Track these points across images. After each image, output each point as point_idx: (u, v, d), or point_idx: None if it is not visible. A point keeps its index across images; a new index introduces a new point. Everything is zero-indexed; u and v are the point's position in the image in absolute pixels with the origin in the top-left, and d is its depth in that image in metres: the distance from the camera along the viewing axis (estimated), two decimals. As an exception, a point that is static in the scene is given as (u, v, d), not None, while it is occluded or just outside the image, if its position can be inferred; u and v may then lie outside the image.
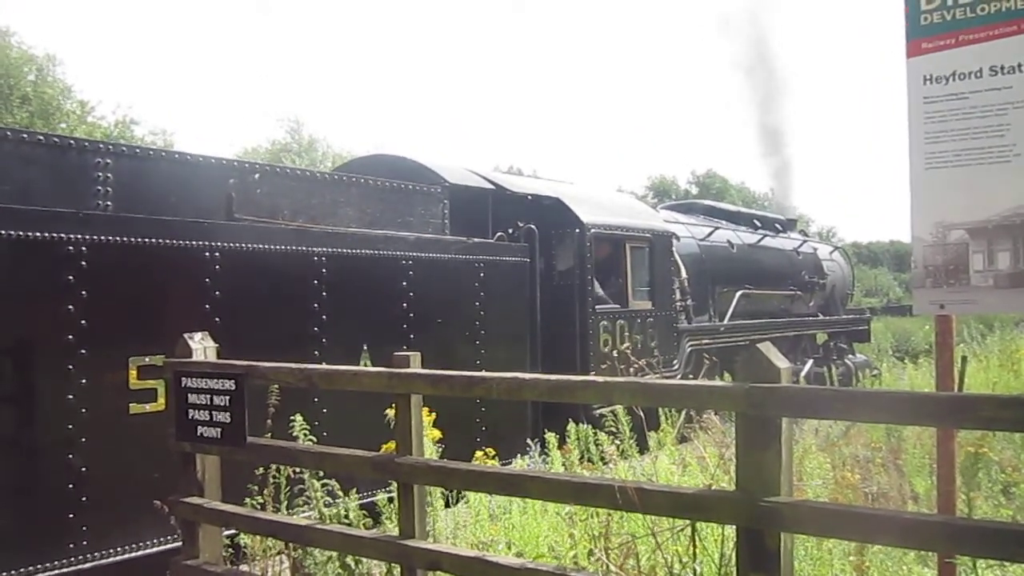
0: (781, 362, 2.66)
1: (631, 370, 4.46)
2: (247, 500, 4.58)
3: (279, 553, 4.67)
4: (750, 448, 2.67)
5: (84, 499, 4.89)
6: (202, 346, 4.33)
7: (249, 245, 5.87)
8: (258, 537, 4.54)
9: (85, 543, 4.89)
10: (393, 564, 3.94)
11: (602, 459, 5.61)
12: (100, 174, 5.63)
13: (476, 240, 7.79)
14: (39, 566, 4.69)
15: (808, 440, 6.32)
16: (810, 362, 13.27)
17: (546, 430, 6.48)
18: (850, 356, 14.84)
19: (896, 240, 66.91)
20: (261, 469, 4.67)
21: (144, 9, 76.56)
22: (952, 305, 3.22)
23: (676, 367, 9.96)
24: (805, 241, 14.98)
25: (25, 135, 5.53)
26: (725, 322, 11.37)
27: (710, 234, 11.98)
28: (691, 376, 10.02)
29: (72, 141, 5.75)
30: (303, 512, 4.80)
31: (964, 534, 2.37)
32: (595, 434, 5.95)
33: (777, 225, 14.64)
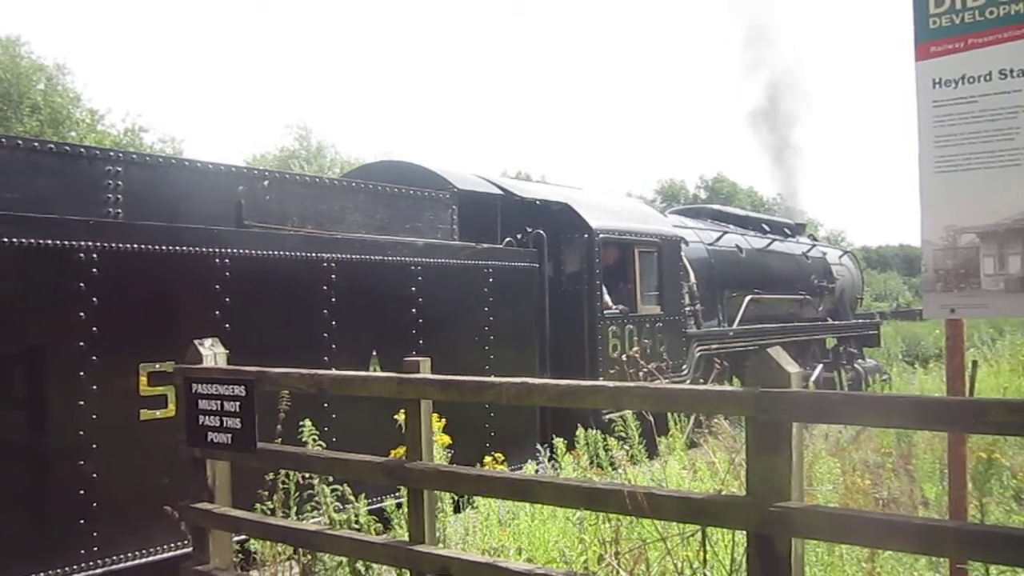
0: (791, 366, 2.65)
1: (640, 374, 4.45)
2: (257, 506, 4.59)
3: (289, 559, 4.68)
4: (760, 453, 2.66)
5: (95, 505, 4.91)
6: (212, 352, 4.35)
7: (258, 252, 5.89)
8: (268, 543, 4.55)
9: (96, 549, 4.91)
10: (403, 570, 3.93)
11: (611, 464, 5.60)
12: (110, 182, 5.66)
13: (485, 245, 7.79)
14: (50, 572, 4.71)
15: (818, 445, 6.29)
16: (820, 367, 13.22)
17: (555, 435, 6.47)
18: (860, 361, 14.76)
19: (906, 244, 66.73)
20: (271, 474, 4.68)
21: (152, 17, 76.98)
22: (963, 309, 3.21)
23: (685, 372, 9.93)
24: (814, 245, 14.94)
25: (36, 144, 5.56)
26: (734, 327, 11.34)
27: (719, 239, 11.96)
28: (700, 381, 9.99)
29: (83, 149, 5.78)
30: (313, 518, 4.80)
31: (977, 539, 2.36)
32: (604, 439, 5.94)
33: (786, 229, 14.60)
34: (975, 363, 3.53)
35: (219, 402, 4.09)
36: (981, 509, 3.56)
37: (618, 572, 3.71)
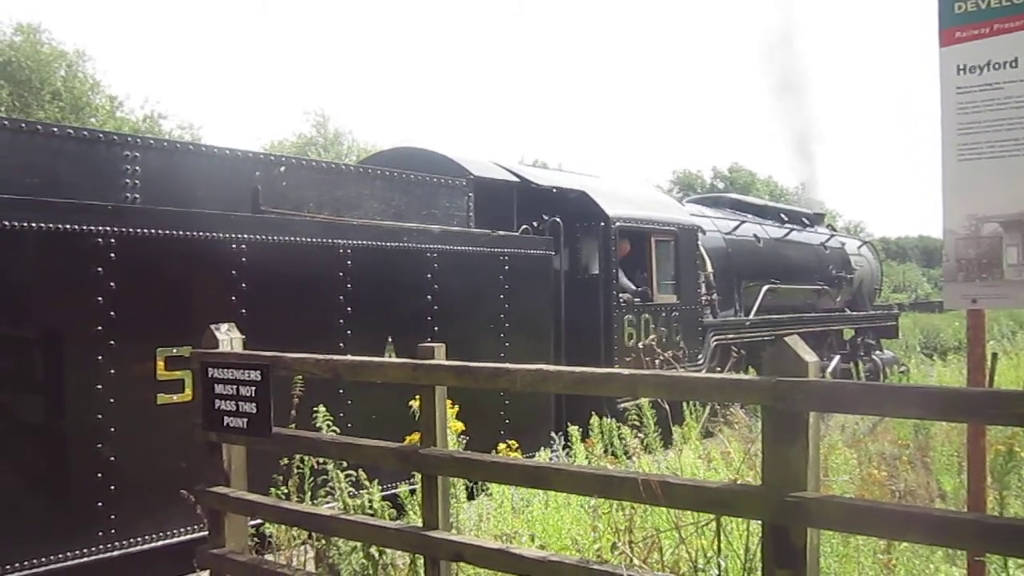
0: (808, 355, 2.62)
1: (656, 363, 4.44)
2: (272, 490, 4.61)
3: (304, 543, 4.70)
4: (776, 442, 2.64)
5: (112, 488, 4.95)
6: (228, 337, 4.36)
7: (275, 237, 5.90)
8: (283, 527, 4.57)
9: (113, 531, 4.95)
10: (417, 555, 3.94)
11: (625, 453, 5.59)
12: (128, 167, 5.68)
13: (501, 233, 7.78)
14: (68, 554, 4.76)
15: (834, 436, 6.26)
16: (837, 358, 13.13)
17: (569, 423, 6.46)
18: (877, 352, 14.65)
19: (925, 235, 66.26)
20: (286, 459, 4.70)
21: (172, 4, 77.24)
22: (985, 299, 3.16)
23: (701, 362, 9.89)
24: (833, 235, 14.80)
25: (55, 129, 5.59)
26: (751, 317, 11.28)
27: (736, 228, 11.87)
28: (716, 370, 9.95)
29: (101, 134, 5.80)
30: (327, 502, 4.82)
31: (996, 532, 2.33)
32: (619, 428, 5.93)
33: (804, 219, 14.47)
34: (995, 355, 3.48)
35: (235, 387, 4.11)
36: (1000, 502, 3.52)
37: (631, 560, 3.70)
